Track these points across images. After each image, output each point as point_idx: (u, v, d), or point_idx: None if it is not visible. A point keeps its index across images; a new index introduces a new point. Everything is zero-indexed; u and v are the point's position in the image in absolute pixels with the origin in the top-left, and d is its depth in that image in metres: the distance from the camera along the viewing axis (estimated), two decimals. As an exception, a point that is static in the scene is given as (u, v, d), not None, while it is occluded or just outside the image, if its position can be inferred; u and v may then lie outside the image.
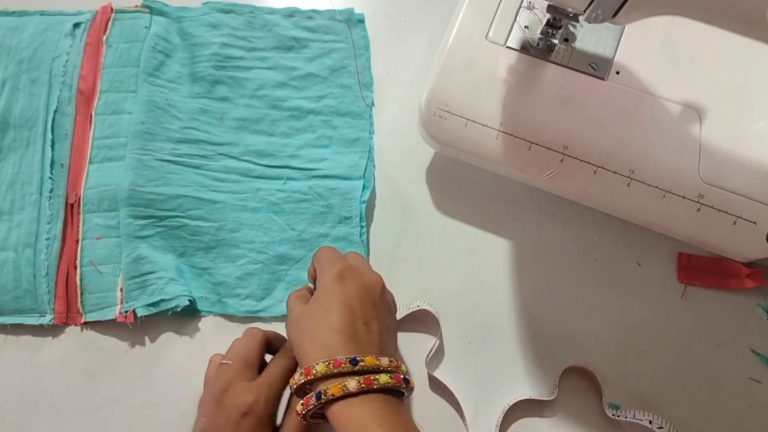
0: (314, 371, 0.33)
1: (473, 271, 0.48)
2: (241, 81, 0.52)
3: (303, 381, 0.34)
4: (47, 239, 0.47)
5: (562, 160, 0.44)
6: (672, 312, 0.47)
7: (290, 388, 0.36)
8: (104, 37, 0.53)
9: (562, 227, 0.49)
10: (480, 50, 0.46)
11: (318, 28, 0.54)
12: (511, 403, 0.44)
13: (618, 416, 0.43)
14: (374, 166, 0.51)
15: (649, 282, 0.48)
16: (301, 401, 0.34)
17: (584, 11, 0.36)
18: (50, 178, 0.49)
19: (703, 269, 0.48)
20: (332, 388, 0.33)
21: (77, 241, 0.47)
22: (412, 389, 0.36)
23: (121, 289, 0.46)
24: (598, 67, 0.45)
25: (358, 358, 0.33)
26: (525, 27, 0.46)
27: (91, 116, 0.51)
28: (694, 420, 0.44)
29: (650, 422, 0.43)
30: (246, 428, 0.37)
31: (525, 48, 0.46)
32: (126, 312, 0.45)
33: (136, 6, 0.54)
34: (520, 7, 0.46)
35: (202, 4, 0.54)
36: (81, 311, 0.46)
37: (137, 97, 0.50)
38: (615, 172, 0.43)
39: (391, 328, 0.38)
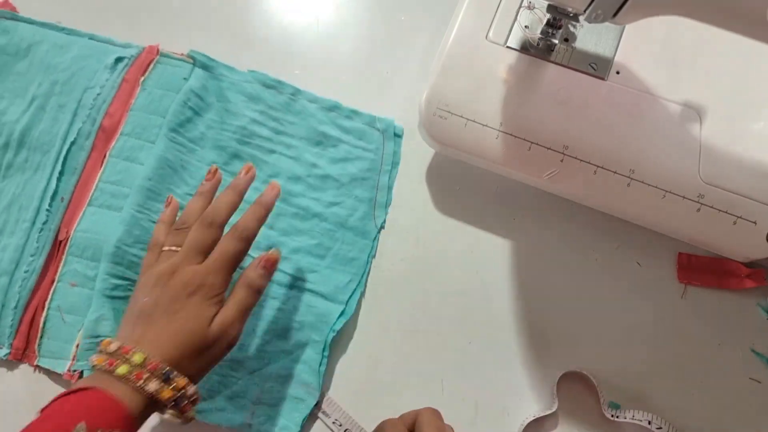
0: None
1: (473, 271, 0.48)
2: (259, 162, 0.50)
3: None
4: (26, 271, 0.46)
5: (562, 160, 0.44)
6: (672, 312, 0.47)
7: None
8: (142, 78, 0.51)
9: (562, 227, 0.49)
10: (480, 50, 0.46)
11: (352, 130, 0.51)
12: (525, 424, 0.44)
13: (617, 417, 0.43)
14: (363, 293, 0.48)
15: (649, 282, 0.48)
16: None
17: (584, 11, 0.36)
18: (47, 210, 0.48)
19: (703, 269, 0.48)
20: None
21: (53, 281, 0.46)
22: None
23: (77, 345, 0.44)
24: (598, 67, 0.45)
25: None
26: (525, 27, 0.46)
27: (105, 156, 0.49)
28: (694, 420, 0.44)
29: (649, 422, 0.43)
30: (192, 306, 0.38)
31: (525, 48, 0.46)
32: (74, 371, 0.44)
33: (182, 54, 0.52)
34: (520, 7, 0.46)
35: (247, 71, 0.52)
36: (36, 353, 0.45)
37: (153, 150, 0.48)
38: (615, 172, 0.43)
39: None
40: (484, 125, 0.44)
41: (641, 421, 0.43)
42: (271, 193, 0.42)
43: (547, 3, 0.41)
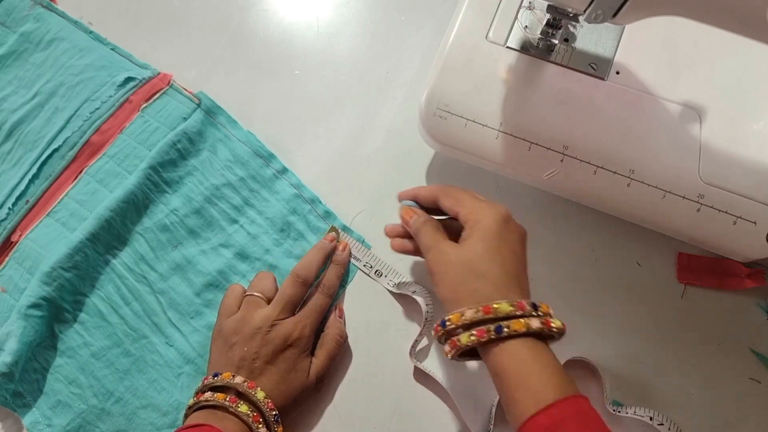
0: (496, 309, 0.34)
1: (473, 271, 0.48)
2: (216, 227, 0.49)
3: (480, 318, 0.34)
4: None
5: (562, 160, 0.44)
6: (672, 312, 0.47)
7: (451, 326, 0.36)
8: (144, 105, 0.51)
9: (562, 227, 0.49)
10: (480, 50, 0.46)
11: (319, 231, 0.49)
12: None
13: (619, 412, 0.43)
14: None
15: (649, 282, 0.48)
16: (473, 332, 0.35)
17: (584, 11, 0.36)
18: (9, 208, 0.48)
19: (703, 269, 0.48)
20: (515, 324, 0.34)
21: None
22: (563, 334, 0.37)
23: None
24: (598, 67, 0.45)
25: (537, 303, 0.35)
26: (525, 27, 0.46)
27: (81, 171, 0.49)
28: (694, 420, 0.44)
29: (651, 419, 0.43)
30: (290, 357, 0.41)
31: (525, 48, 0.46)
32: None
33: (190, 92, 0.52)
34: (520, 7, 0.46)
35: (247, 131, 0.51)
36: None
37: (126, 181, 0.48)
38: (615, 172, 0.43)
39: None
40: (484, 125, 0.44)
41: (643, 416, 0.43)
42: (345, 253, 0.48)
43: (547, 3, 0.41)
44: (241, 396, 0.39)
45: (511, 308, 0.34)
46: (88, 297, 0.46)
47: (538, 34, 0.46)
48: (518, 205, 0.50)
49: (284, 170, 0.50)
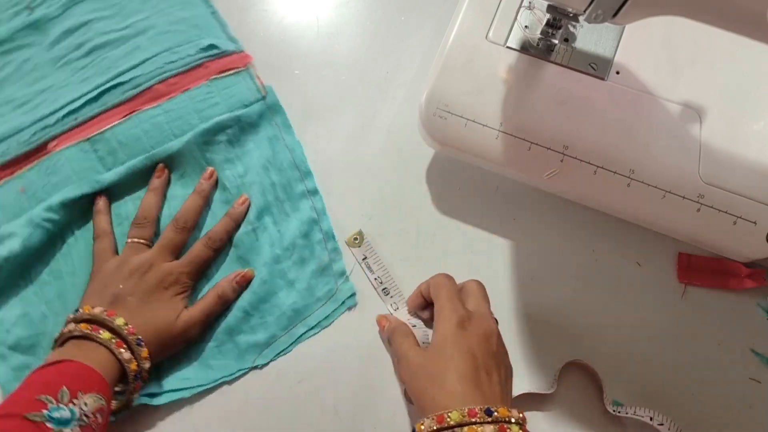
0: (448, 419, 0.34)
1: (473, 271, 0.48)
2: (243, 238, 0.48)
3: (436, 428, 0.35)
4: (7, 149, 0.49)
5: (562, 160, 0.44)
6: (672, 312, 0.47)
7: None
8: (215, 76, 0.51)
9: (562, 227, 0.49)
10: (480, 50, 0.46)
11: (318, 261, 0.48)
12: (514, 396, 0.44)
13: (619, 412, 0.43)
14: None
15: (649, 282, 0.48)
16: None
17: (584, 11, 0.36)
18: (59, 118, 0.50)
19: (703, 269, 0.48)
20: (467, 431, 0.34)
21: (12, 173, 0.49)
22: None
23: None
24: (598, 67, 0.45)
25: (492, 409, 0.35)
26: (525, 27, 0.46)
27: (133, 112, 0.50)
28: (694, 420, 0.44)
29: (651, 419, 0.43)
30: (163, 298, 0.44)
31: (525, 48, 0.46)
32: None
33: (262, 82, 0.52)
34: (520, 7, 0.46)
35: (297, 140, 0.51)
36: None
37: (169, 144, 0.49)
38: (615, 172, 0.43)
39: (508, 377, 0.40)
40: (484, 125, 0.44)
41: (643, 417, 0.43)
42: (241, 207, 0.48)
43: (547, 3, 0.41)
44: (103, 325, 0.40)
45: (462, 417, 0.34)
46: (93, 231, 0.48)
47: (538, 34, 0.46)
48: (518, 205, 0.50)
49: (314, 192, 0.50)
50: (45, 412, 0.35)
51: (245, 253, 0.48)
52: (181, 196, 0.49)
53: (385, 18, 0.56)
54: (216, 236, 0.47)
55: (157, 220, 0.48)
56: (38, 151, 0.50)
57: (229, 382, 0.45)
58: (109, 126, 0.49)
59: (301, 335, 0.46)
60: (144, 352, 0.41)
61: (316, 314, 0.47)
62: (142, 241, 0.46)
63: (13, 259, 0.45)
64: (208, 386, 0.45)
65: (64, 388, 0.36)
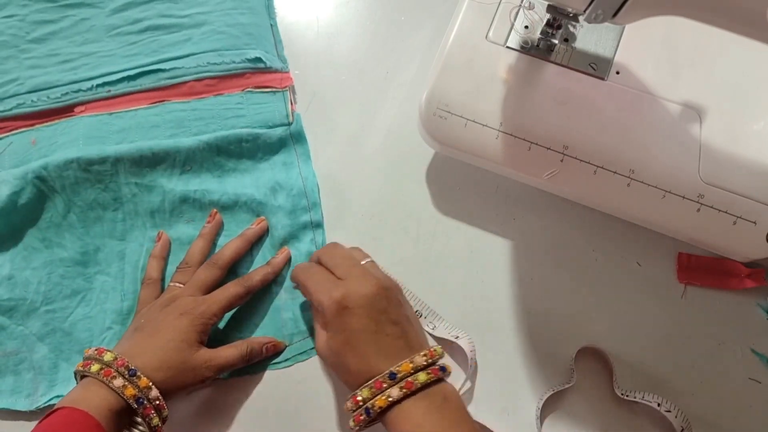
0: (360, 398, 0.36)
1: (473, 271, 0.48)
2: (229, 230, 0.49)
3: (354, 408, 0.36)
4: (33, 101, 0.51)
5: (562, 160, 0.44)
6: (672, 312, 0.47)
7: (348, 413, 0.37)
8: (251, 89, 0.51)
9: (562, 227, 0.49)
10: (480, 50, 0.46)
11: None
12: (544, 399, 0.44)
13: (627, 396, 0.43)
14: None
15: (649, 282, 0.48)
16: (352, 418, 0.37)
17: (584, 11, 0.36)
18: (92, 86, 0.51)
19: (703, 269, 0.48)
20: (378, 401, 0.35)
21: (32, 125, 0.51)
22: (449, 373, 0.38)
23: None
24: (598, 67, 0.45)
25: (394, 371, 0.36)
26: (525, 27, 0.46)
27: (161, 101, 0.51)
28: (694, 420, 0.44)
29: (658, 405, 0.43)
30: (177, 326, 0.41)
31: (525, 48, 0.46)
32: None
33: (293, 107, 0.52)
34: (519, 7, 0.46)
35: (313, 171, 0.50)
36: None
37: (180, 140, 0.49)
38: (615, 172, 0.43)
39: (409, 318, 0.40)
40: (484, 125, 0.44)
41: (651, 402, 0.43)
42: (281, 259, 0.47)
43: (546, 3, 0.41)
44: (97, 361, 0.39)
45: (371, 391, 0.36)
46: (85, 205, 0.48)
47: (538, 34, 0.46)
48: (518, 205, 0.50)
49: (318, 225, 0.49)
50: None
51: (237, 267, 0.48)
52: (179, 191, 0.49)
53: (385, 18, 0.56)
54: (252, 277, 0.45)
55: (201, 264, 0.46)
56: (65, 111, 0.51)
57: (229, 383, 0.45)
58: (134, 107, 0.51)
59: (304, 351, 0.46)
60: (142, 381, 0.38)
61: (293, 347, 0.46)
62: (180, 285, 0.45)
63: None
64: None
65: None
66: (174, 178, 0.49)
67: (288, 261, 0.48)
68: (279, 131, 0.51)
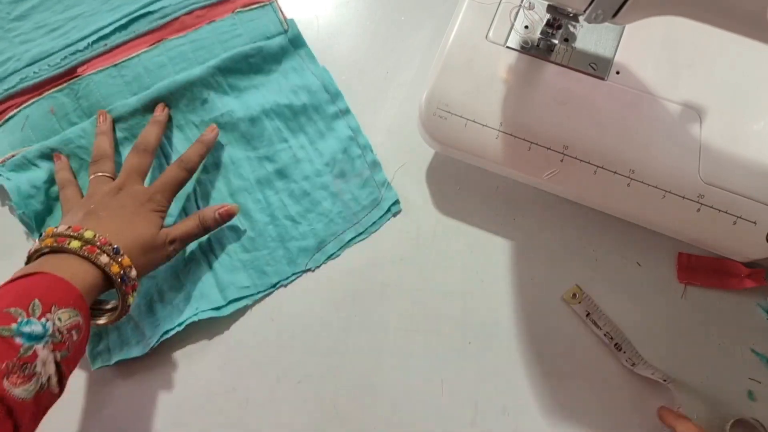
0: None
1: (473, 271, 0.48)
2: (265, 139, 0.51)
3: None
4: (35, 72, 0.52)
5: (562, 160, 0.44)
6: (672, 312, 0.47)
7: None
8: (240, 9, 0.53)
9: (562, 227, 0.49)
10: (480, 50, 0.46)
11: (359, 175, 0.51)
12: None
13: (634, 365, 0.44)
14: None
15: (649, 282, 0.48)
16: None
17: (584, 11, 0.36)
18: (89, 44, 0.52)
19: (703, 269, 0.48)
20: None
21: (41, 93, 0.51)
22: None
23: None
24: (598, 67, 0.45)
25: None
26: (525, 27, 0.46)
27: (159, 41, 0.52)
28: (695, 420, 0.44)
29: (664, 380, 0.43)
30: (145, 212, 0.43)
31: (525, 48, 0.46)
32: None
33: (285, 17, 0.54)
34: (519, 7, 0.46)
35: (323, 66, 0.53)
36: None
37: (191, 71, 0.50)
38: (615, 172, 0.43)
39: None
40: (484, 125, 0.44)
41: (654, 375, 0.44)
42: (211, 134, 0.48)
43: (546, 3, 0.41)
44: (70, 237, 0.38)
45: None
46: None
47: (538, 34, 0.46)
48: (518, 205, 0.50)
49: (347, 111, 0.52)
50: (14, 326, 0.32)
51: (284, 167, 0.50)
52: (207, 119, 0.50)
53: (385, 18, 0.56)
54: (188, 157, 0.46)
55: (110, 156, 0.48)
56: (68, 74, 0.52)
57: (229, 383, 0.45)
58: (136, 53, 0.52)
59: (349, 240, 0.49)
60: (125, 260, 0.39)
61: (364, 221, 0.49)
62: (106, 174, 0.46)
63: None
64: (267, 291, 0.47)
65: (36, 300, 0.33)
66: (198, 110, 0.51)
67: (216, 135, 0.49)
68: (278, 40, 0.53)
